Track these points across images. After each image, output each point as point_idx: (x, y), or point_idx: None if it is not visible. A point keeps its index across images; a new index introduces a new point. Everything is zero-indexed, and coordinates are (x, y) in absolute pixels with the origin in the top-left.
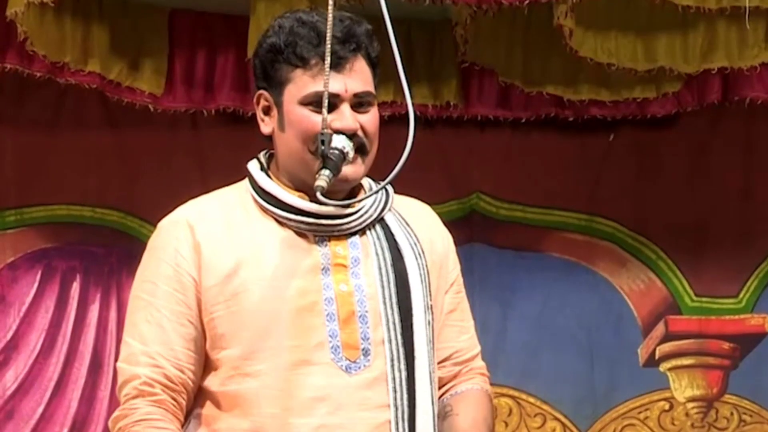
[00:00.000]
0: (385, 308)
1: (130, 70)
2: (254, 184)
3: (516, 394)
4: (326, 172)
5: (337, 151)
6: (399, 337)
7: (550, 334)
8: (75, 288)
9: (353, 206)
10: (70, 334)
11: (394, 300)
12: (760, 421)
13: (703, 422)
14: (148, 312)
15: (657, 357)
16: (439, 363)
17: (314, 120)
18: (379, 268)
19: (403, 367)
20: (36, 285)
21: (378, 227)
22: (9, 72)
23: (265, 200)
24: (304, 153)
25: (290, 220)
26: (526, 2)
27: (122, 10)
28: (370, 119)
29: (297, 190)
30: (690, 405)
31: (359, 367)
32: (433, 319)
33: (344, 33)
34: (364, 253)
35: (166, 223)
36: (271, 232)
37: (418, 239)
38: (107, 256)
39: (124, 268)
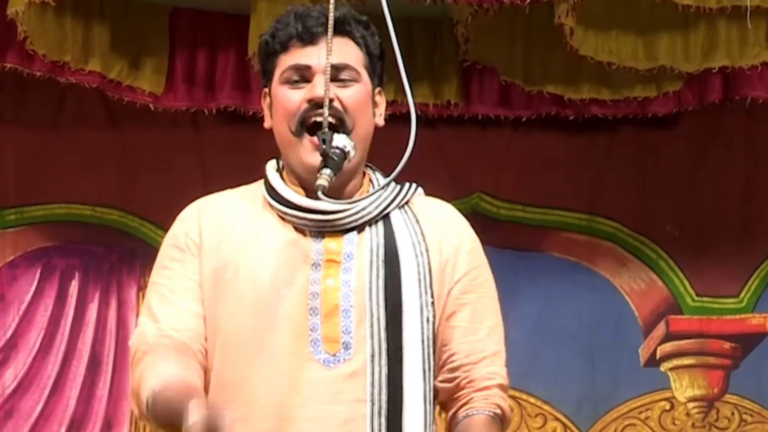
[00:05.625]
0: (371, 303)
1: (131, 69)
2: (266, 181)
3: (517, 394)
4: (327, 170)
5: (338, 150)
6: (383, 332)
7: (550, 334)
8: (74, 286)
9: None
10: (69, 332)
11: (382, 295)
12: (761, 420)
13: (703, 422)
14: (161, 294)
15: (658, 357)
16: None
17: (291, 98)
18: (370, 263)
19: (384, 362)
20: (35, 283)
21: (380, 224)
22: (9, 71)
23: (270, 195)
24: (287, 134)
25: (288, 215)
26: (527, 1)
27: (123, 8)
28: (350, 93)
29: (301, 185)
30: (691, 405)
31: (339, 361)
32: (435, 317)
33: (319, 12)
34: (360, 249)
35: (181, 213)
36: (271, 226)
37: (424, 237)
38: (107, 255)
39: (123, 266)
